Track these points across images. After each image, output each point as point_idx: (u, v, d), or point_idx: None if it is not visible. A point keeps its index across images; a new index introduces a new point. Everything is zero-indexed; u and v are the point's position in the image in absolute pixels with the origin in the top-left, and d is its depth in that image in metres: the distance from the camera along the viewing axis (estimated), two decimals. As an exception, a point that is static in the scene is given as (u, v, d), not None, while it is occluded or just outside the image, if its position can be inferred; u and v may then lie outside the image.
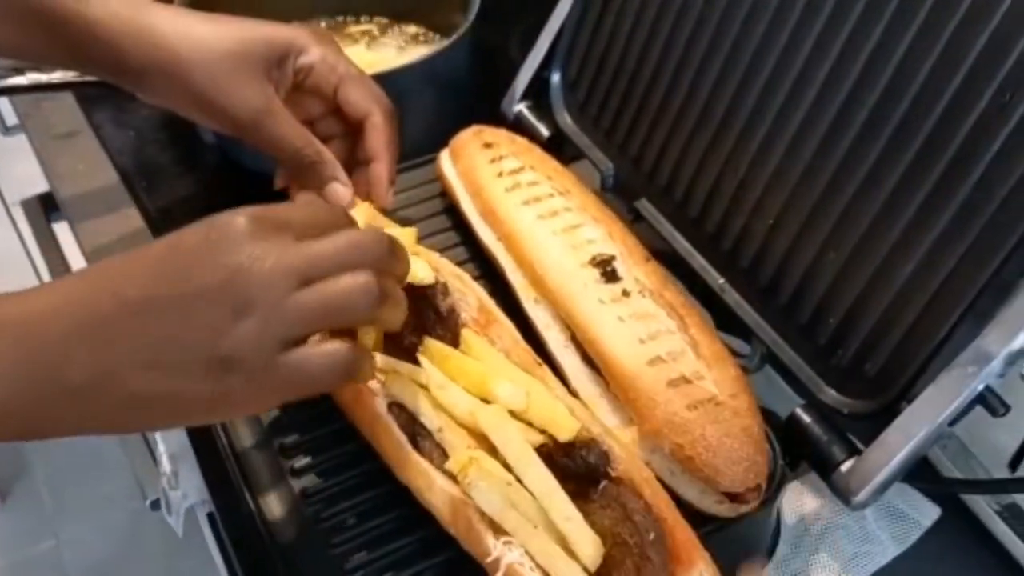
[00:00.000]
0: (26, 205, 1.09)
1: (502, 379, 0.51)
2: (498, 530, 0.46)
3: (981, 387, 0.50)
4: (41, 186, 0.94)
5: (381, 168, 0.63)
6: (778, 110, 0.58)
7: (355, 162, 0.64)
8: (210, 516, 0.61)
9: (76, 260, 0.88)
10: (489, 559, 0.45)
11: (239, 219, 0.42)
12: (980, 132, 0.48)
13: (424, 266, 0.55)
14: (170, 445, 0.62)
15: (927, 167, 0.51)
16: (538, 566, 0.45)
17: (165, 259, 0.42)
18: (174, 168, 0.85)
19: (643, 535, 0.45)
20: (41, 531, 1.64)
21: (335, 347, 0.43)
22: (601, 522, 0.46)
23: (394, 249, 0.45)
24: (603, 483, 0.48)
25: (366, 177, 0.63)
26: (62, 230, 0.94)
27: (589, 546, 0.45)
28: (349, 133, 0.64)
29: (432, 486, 0.48)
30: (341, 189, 0.61)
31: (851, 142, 0.54)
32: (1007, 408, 0.50)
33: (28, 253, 1.65)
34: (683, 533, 0.46)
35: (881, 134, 0.53)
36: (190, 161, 0.86)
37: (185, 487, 0.61)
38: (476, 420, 0.49)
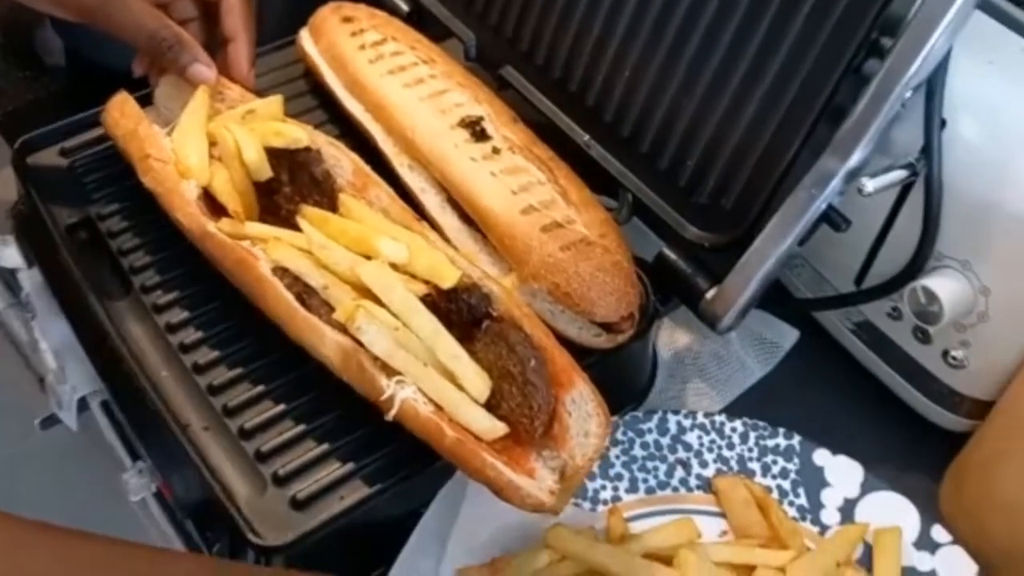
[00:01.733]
0: None
1: (382, 235, 0.52)
2: (390, 372, 0.48)
3: (824, 206, 0.54)
4: None
5: (240, 48, 0.62)
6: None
7: (214, 45, 0.63)
8: (104, 404, 0.61)
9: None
10: (383, 397, 0.47)
11: None
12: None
13: (297, 128, 0.56)
14: (53, 342, 0.62)
15: (761, 12, 0.54)
16: (431, 400, 0.48)
17: None
18: (20, 73, 0.82)
19: (525, 363, 0.48)
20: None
21: None
22: (487, 358, 0.49)
23: None
24: (485, 323, 0.50)
25: (226, 59, 0.62)
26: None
27: (477, 380, 0.48)
28: (205, 16, 0.63)
29: (323, 339, 0.49)
30: (204, 70, 0.61)
31: (695, -10, 0.57)
32: (848, 223, 0.55)
33: None
34: (562, 358, 0.49)
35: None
36: (38, 65, 0.82)
37: (73, 379, 0.61)
38: (358, 275, 0.50)
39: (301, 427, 0.52)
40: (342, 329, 0.49)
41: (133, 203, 0.61)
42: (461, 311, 0.50)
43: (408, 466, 0.50)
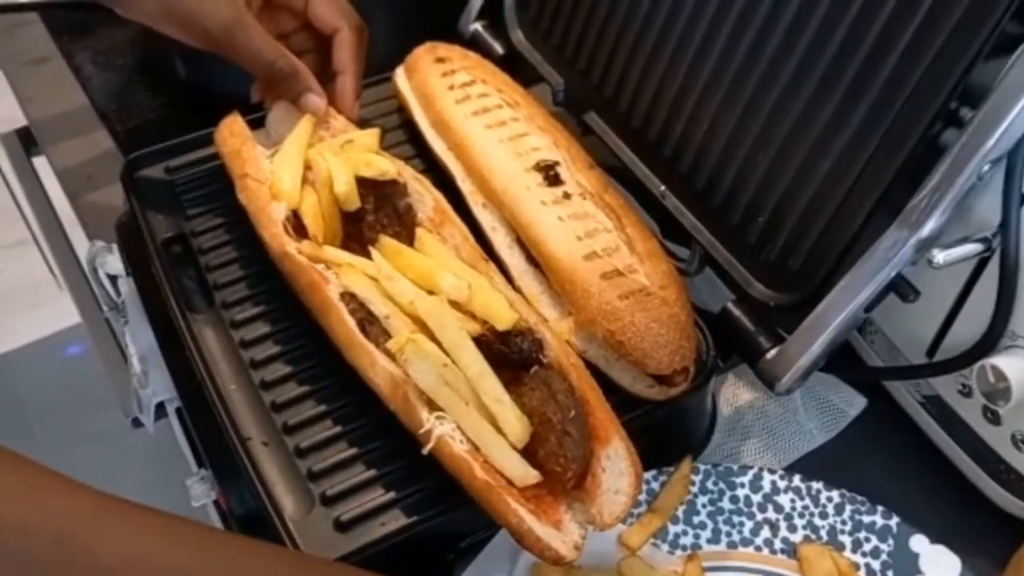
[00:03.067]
0: (5, 139, 1.11)
1: (447, 272, 0.54)
2: (433, 407, 0.50)
3: (893, 274, 0.53)
4: (20, 121, 0.96)
5: (347, 81, 0.66)
6: (708, 25, 0.61)
7: (327, 77, 0.67)
8: (178, 411, 0.65)
9: (55, 192, 0.91)
10: (422, 430, 0.49)
11: None
12: (887, 35, 0.51)
13: (387, 160, 0.59)
14: (139, 347, 0.66)
15: (840, 71, 0.54)
16: (468, 439, 0.49)
17: None
18: (142, 91, 0.88)
19: (565, 413, 0.48)
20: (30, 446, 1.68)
21: None
22: (530, 403, 0.50)
23: None
24: (534, 368, 0.51)
25: (334, 91, 0.66)
26: (43, 165, 0.96)
27: (517, 425, 0.49)
28: (320, 48, 0.67)
29: (375, 365, 0.51)
30: (315, 99, 0.64)
31: (773, 51, 0.57)
32: (917, 293, 0.54)
33: (12, 194, 1.67)
34: (603, 413, 0.50)
35: (799, 43, 0.56)
36: (158, 84, 0.88)
37: (154, 385, 0.65)
38: (417, 309, 0.52)
39: (353, 450, 0.55)
40: (394, 359, 0.51)
41: (226, 223, 0.65)
42: (513, 354, 0.51)
43: (448, 500, 0.51)
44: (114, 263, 0.72)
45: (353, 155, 0.61)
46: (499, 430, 0.49)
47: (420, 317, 0.53)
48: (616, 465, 0.48)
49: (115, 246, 0.72)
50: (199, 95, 0.86)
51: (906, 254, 0.52)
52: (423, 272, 0.55)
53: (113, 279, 0.72)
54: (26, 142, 1.13)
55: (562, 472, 0.48)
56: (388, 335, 0.53)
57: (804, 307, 0.57)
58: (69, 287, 0.87)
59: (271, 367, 0.58)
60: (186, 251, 0.65)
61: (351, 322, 0.54)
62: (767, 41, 0.57)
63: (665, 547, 0.56)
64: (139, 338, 0.66)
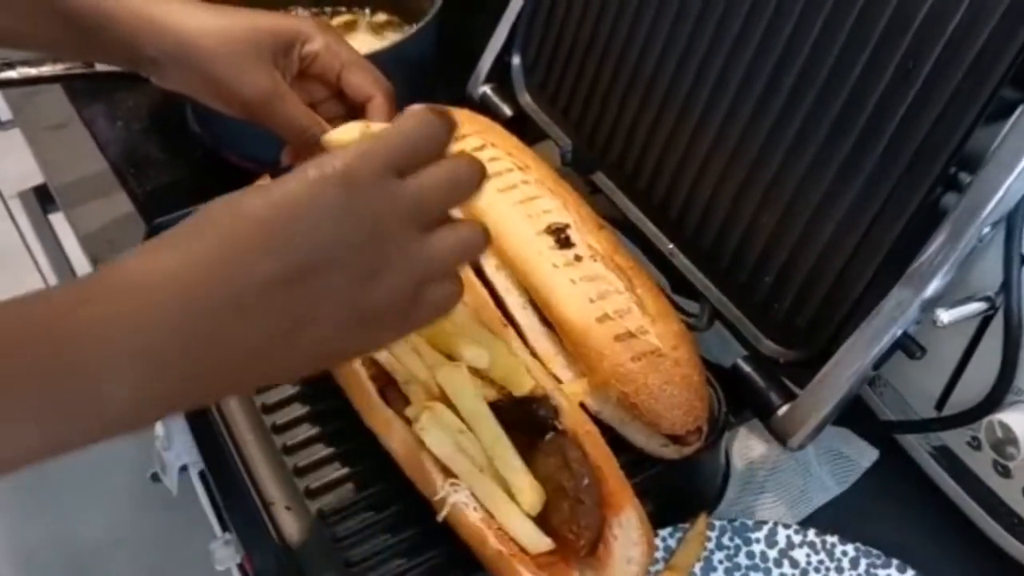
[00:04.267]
0: (23, 197, 1.13)
1: (469, 341, 0.55)
2: (448, 473, 0.51)
3: (899, 333, 0.55)
4: (37, 179, 0.99)
5: None
6: (711, 89, 0.63)
7: None
8: (201, 474, 0.66)
9: (74, 250, 0.93)
10: (437, 498, 0.50)
11: (334, 189, 0.41)
12: (887, 99, 0.53)
13: None
14: (163, 411, 0.67)
15: (843, 134, 0.55)
16: (482, 507, 0.50)
17: (287, 226, 0.40)
18: (161, 155, 0.90)
19: (578, 480, 0.49)
20: (47, 510, 1.69)
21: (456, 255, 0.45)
22: (544, 469, 0.51)
23: (483, 172, 0.47)
24: (550, 434, 0.52)
25: None
26: (59, 221, 0.98)
27: (531, 493, 0.50)
28: (351, 114, 0.69)
29: (392, 431, 0.53)
30: None
31: (775, 116, 0.59)
32: (923, 351, 0.55)
33: (27, 245, 1.69)
34: (616, 482, 0.51)
35: (800, 107, 0.57)
36: (176, 149, 0.90)
37: (177, 448, 0.66)
38: (436, 375, 0.53)
39: (375, 514, 0.56)
40: (411, 425, 0.52)
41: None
42: (529, 420, 0.53)
43: (465, 566, 0.52)
44: (136, 327, 0.73)
45: None
46: (513, 497, 0.50)
47: (437, 384, 0.54)
48: (628, 534, 0.49)
49: (136, 310, 0.73)
50: (215, 156, 0.88)
51: (911, 314, 0.54)
52: (445, 339, 0.56)
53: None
54: (42, 200, 1.15)
55: (575, 540, 0.49)
56: (406, 400, 0.54)
57: (813, 364, 0.58)
58: None
59: (293, 431, 0.60)
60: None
61: (370, 387, 0.55)
62: (770, 105, 0.59)
63: (683, 603, 0.57)
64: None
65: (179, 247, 0.40)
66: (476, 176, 0.46)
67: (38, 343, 0.37)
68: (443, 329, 0.56)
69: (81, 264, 0.88)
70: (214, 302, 0.39)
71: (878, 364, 0.56)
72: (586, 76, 0.72)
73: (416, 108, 0.46)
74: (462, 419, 0.51)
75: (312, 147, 0.66)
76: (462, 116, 0.73)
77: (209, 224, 0.41)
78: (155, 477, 0.79)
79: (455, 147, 0.70)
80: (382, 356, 0.56)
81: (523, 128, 0.78)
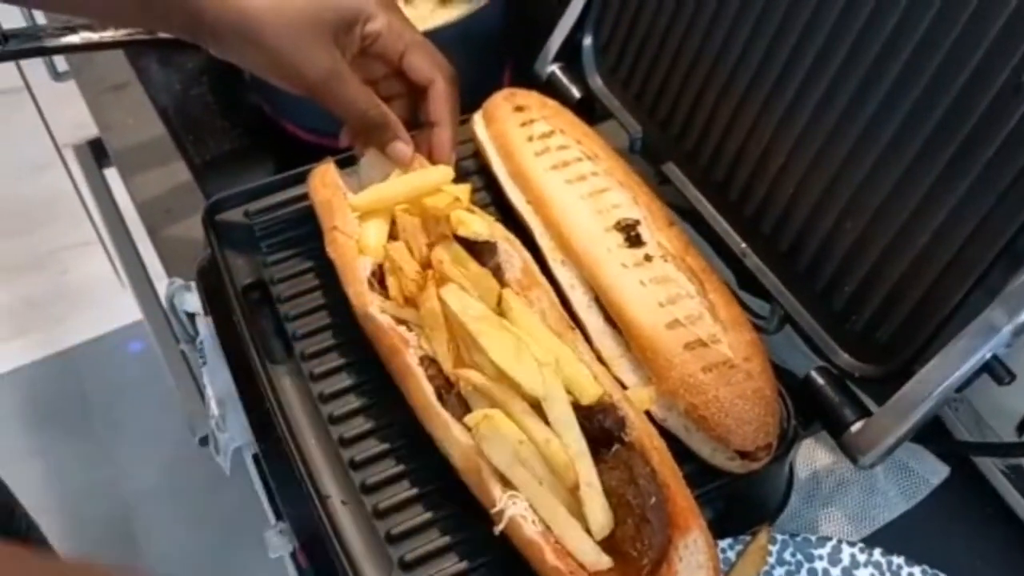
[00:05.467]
0: (78, 150, 1.13)
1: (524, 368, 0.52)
2: (506, 483, 0.49)
3: (988, 356, 0.52)
4: (92, 130, 0.98)
5: (444, 133, 0.66)
6: (802, 80, 0.59)
7: (416, 123, 0.68)
8: (255, 457, 0.66)
9: (126, 205, 0.93)
10: (494, 510, 0.48)
11: None
12: (994, 111, 0.49)
13: (480, 222, 0.59)
14: (218, 390, 0.67)
15: (943, 143, 0.52)
16: (540, 520, 0.48)
17: None
18: (220, 123, 0.89)
19: (645, 499, 0.47)
20: (95, 460, 1.73)
21: None
22: (608, 482, 0.49)
23: None
24: (615, 446, 0.51)
25: (426, 138, 0.67)
26: (113, 176, 0.98)
27: (600, 515, 0.48)
28: (410, 94, 0.67)
29: (450, 435, 0.51)
30: (402, 147, 0.65)
31: (871, 115, 0.55)
32: (1012, 376, 0.52)
33: (80, 196, 1.71)
34: (684, 501, 0.49)
35: (900, 108, 0.54)
36: (235, 117, 0.89)
37: (232, 430, 0.65)
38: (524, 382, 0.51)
39: (431, 513, 0.54)
40: (470, 431, 0.51)
41: (306, 271, 0.66)
42: (594, 429, 0.51)
43: (521, 571, 0.51)
44: (192, 301, 0.72)
45: (442, 204, 0.61)
46: (574, 512, 0.48)
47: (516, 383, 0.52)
48: (694, 557, 0.47)
49: (193, 284, 0.73)
50: (274, 125, 0.86)
51: (1003, 337, 0.51)
52: (506, 349, 0.54)
53: (191, 317, 0.73)
54: (97, 154, 1.15)
55: (638, 558, 0.47)
56: (465, 405, 0.53)
57: (891, 380, 0.56)
58: (132, 286, 0.89)
59: (350, 423, 0.58)
60: (265, 298, 0.65)
61: (428, 389, 0.54)
62: (864, 103, 0.56)
63: (740, 617, 0.55)
64: (217, 380, 0.67)
65: None
66: None
67: None
68: (510, 333, 0.54)
69: (134, 221, 0.88)
70: None
71: (962, 387, 0.53)
72: (663, 60, 0.69)
73: None
74: (548, 424, 0.49)
75: (371, 129, 0.64)
76: (532, 100, 0.71)
77: None
78: (203, 441, 0.79)
79: (521, 132, 0.68)
80: (443, 361, 0.54)
81: (589, 111, 0.75)
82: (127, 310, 1.83)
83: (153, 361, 0.90)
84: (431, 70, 0.65)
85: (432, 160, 0.65)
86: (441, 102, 0.65)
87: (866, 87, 0.56)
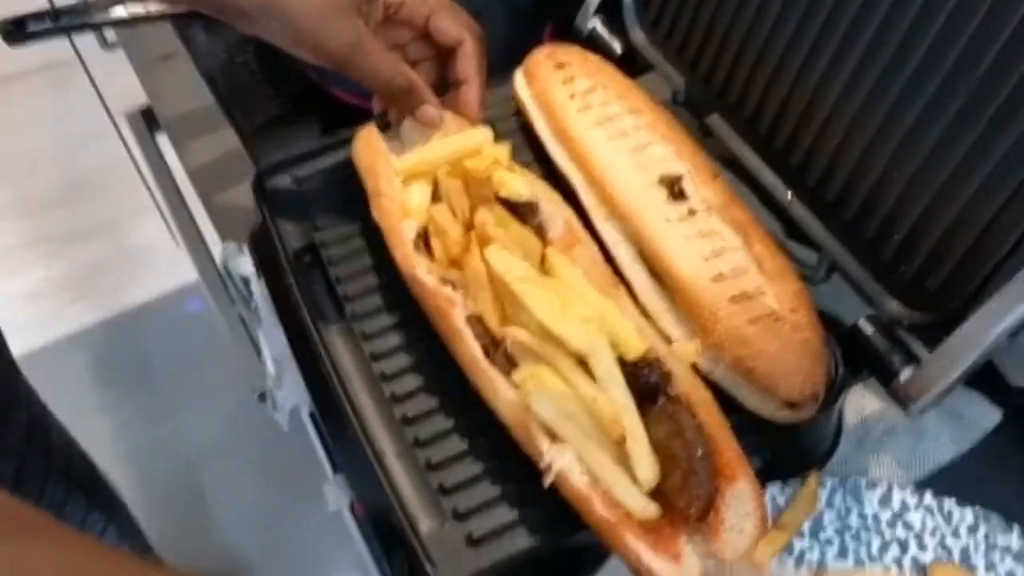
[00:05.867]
0: (131, 119, 1.16)
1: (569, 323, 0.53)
2: (554, 438, 0.50)
3: (1041, 301, 0.51)
4: (143, 99, 1.00)
5: (472, 91, 0.67)
6: (847, 27, 0.58)
7: (445, 84, 0.68)
8: (312, 416, 0.68)
9: (179, 171, 0.95)
10: (543, 463, 0.50)
11: None
12: (1048, 51, 0.48)
13: (521, 182, 0.59)
14: (273, 351, 0.69)
15: (993, 88, 0.51)
16: (588, 472, 0.49)
17: None
18: (266, 89, 0.90)
19: (692, 451, 0.48)
20: (159, 417, 1.79)
21: None
22: (655, 435, 0.50)
23: None
24: (661, 400, 0.51)
25: (456, 98, 0.67)
26: (166, 143, 1.00)
27: (647, 469, 0.49)
28: (438, 56, 0.68)
29: (498, 392, 0.52)
30: (431, 111, 0.65)
31: (919, 61, 0.54)
32: (1067, 322, 0.52)
33: (135, 163, 1.74)
34: (730, 451, 0.49)
35: (949, 53, 0.53)
36: (281, 83, 0.90)
37: (288, 388, 0.68)
38: (567, 336, 0.52)
39: (481, 465, 0.56)
40: (517, 388, 0.52)
41: (354, 233, 0.67)
42: (639, 384, 0.51)
43: (570, 522, 0.52)
44: (246, 264, 0.74)
45: (482, 166, 0.61)
46: (621, 465, 0.49)
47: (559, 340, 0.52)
48: (742, 506, 0.48)
49: (246, 247, 0.75)
50: (320, 90, 0.87)
51: (1056, 282, 0.50)
52: (552, 305, 0.55)
53: (246, 280, 0.75)
54: (149, 121, 1.17)
55: (685, 507, 0.48)
56: (512, 362, 0.54)
57: (942, 327, 0.55)
58: (188, 249, 0.92)
59: (401, 381, 0.60)
60: (316, 260, 0.67)
61: (475, 348, 0.55)
62: (912, 51, 0.55)
63: (790, 562, 0.56)
64: (272, 341, 0.69)
65: None
66: None
67: None
68: (554, 291, 0.55)
69: (187, 186, 0.91)
70: None
71: (1015, 333, 0.53)
72: (705, 14, 0.68)
73: None
74: (594, 380, 0.50)
75: (398, 95, 0.65)
76: (573, 56, 0.70)
77: None
78: (262, 398, 0.81)
79: (563, 89, 0.68)
80: (489, 320, 0.55)
81: (631, 65, 0.74)
82: (184, 272, 1.88)
83: (211, 320, 0.93)
84: (458, 31, 0.66)
85: (459, 115, 0.66)
86: (469, 61, 0.66)
87: (913, 34, 0.55)
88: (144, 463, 1.69)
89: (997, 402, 0.65)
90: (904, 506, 0.58)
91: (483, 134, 0.64)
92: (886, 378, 0.58)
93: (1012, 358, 0.63)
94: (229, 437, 1.72)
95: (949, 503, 0.58)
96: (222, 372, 1.66)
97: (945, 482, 0.62)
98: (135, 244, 2.02)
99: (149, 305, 1.96)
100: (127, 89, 1.21)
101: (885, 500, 0.58)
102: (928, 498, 0.58)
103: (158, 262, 1.94)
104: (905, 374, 0.57)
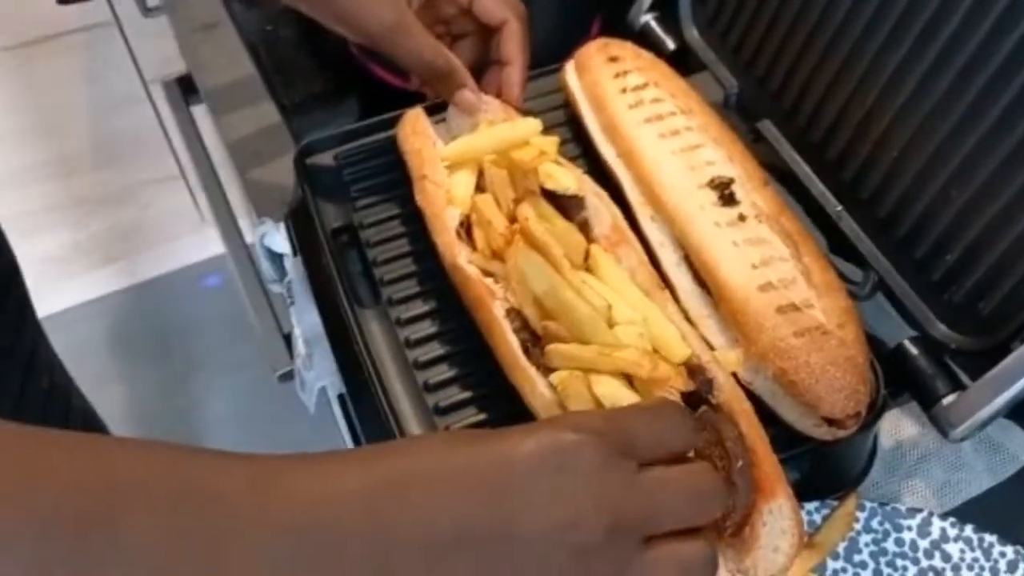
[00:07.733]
0: (167, 86, 1.15)
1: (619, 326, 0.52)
2: None
3: (1096, 335, 0.50)
4: (180, 66, 0.99)
5: (515, 72, 0.66)
6: (913, 42, 0.57)
7: (487, 62, 0.68)
8: (340, 398, 0.67)
9: (212, 142, 0.94)
10: None
11: (587, 449, 0.36)
12: None
13: (568, 176, 0.58)
14: (305, 330, 0.68)
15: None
16: None
17: (487, 482, 0.35)
18: (309, 64, 0.89)
19: (732, 461, 0.47)
20: (174, 388, 1.79)
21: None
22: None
23: (725, 497, 0.41)
24: (703, 407, 0.50)
25: (497, 77, 0.67)
26: (200, 114, 0.99)
27: None
28: (481, 32, 0.67)
29: (535, 391, 0.52)
30: (470, 96, 0.65)
31: (985, 82, 0.53)
32: (1120, 357, 0.50)
33: (165, 131, 1.74)
34: (769, 466, 0.48)
35: (1016, 77, 0.51)
36: (325, 58, 0.89)
37: (319, 369, 0.67)
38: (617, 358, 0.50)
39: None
40: (554, 387, 0.51)
41: (395, 217, 0.66)
42: (683, 391, 0.50)
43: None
44: (281, 242, 0.74)
45: (528, 158, 0.60)
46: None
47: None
48: (778, 523, 0.46)
49: (281, 224, 0.74)
50: (363, 69, 0.86)
51: (1114, 315, 0.49)
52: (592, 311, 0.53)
53: (279, 256, 0.74)
54: (185, 90, 1.16)
55: (721, 520, 0.47)
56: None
57: (989, 354, 0.54)
58: (216, 222, 0.91)
59: (435, 369, 0.59)
60: (353, 241, 0.66)
61: (514, 342, 0.54)
62: (979, 68, 0.53)
63: (824, 582, 0.55)
64: (304, 320, 0.68)
65: (375, 470, 0.35)
66: (718, 499, 0.40)
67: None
68: (598, 291, 0.54)
69: (220, 157, 0.90)
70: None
71: (1066, 365, 0.52)
72: (764, 14, 0.67)
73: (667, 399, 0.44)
74: (635, 389, 0.49)
75: (437, 78, 0.64)
76: (626, 51, 0.69)
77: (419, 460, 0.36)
78: (283, 378, 0.81)
79: (614, 84, 0.67)
80: (530, 315, 0.54)
81: (683, 63, 0.73)
82: (205, 245, 1.88)
83: (228, 296, 0.92)
84: (503, 10, 0.65)
85: (501, 99, 0.65)
86: (513, 42, 0.66)
87: (981, 54, 0.53)
88: (156, 433, 1.70)
89: (1034, 432, 0.64)
90: (943, 535, 0.57)
91: (531, 125, 0.63)
92: (928, 402, 0.57)
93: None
94: (240, 412, 1.72)
95: (990, 538, 0.57)
96: (236, 348, 1.66)
97: (976, 512, 0.61)
98: (157, 214, 2.03)
99: (170, 276, 1.96)
100: (163, 56, 1.21)
101: (924, 528, 0.57)
102: (968, 530, 0.57)
103: (179, 234, 1.94)
104: (948, 399, 0.56)
